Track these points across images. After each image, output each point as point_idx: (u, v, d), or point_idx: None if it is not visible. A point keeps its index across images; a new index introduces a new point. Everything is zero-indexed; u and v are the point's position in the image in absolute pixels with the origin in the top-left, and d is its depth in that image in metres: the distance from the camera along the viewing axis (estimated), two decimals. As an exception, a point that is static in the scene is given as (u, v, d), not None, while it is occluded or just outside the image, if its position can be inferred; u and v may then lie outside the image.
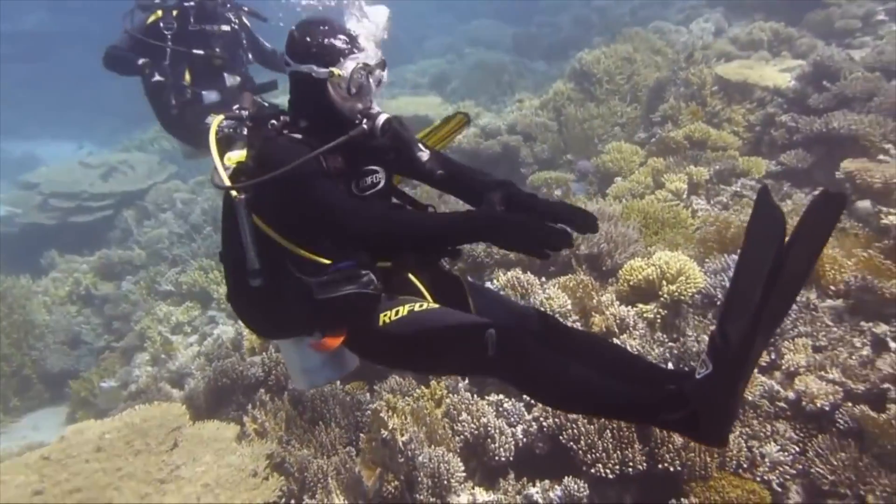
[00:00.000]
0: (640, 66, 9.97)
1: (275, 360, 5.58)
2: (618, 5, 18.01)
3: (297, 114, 2.55)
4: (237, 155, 2.53)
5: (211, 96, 5.62)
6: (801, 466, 4.18)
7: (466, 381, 4.95)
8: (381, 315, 2.47)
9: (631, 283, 5.02)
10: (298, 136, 2.48)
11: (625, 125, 9.39)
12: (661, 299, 4.86)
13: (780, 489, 4.15)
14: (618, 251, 5.46)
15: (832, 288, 4.97)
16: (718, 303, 4.92)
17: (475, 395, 4.83)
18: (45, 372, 9.05)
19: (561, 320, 2.76)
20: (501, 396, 4.76)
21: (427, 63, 17.94)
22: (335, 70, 2.42)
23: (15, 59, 27.99)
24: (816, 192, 1.76)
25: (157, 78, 5.38)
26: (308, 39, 2.48)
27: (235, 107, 2.70)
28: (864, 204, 5.49)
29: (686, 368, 2.49)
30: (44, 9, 28.90)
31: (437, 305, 2.54)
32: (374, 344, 2.52)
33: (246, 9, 5.81)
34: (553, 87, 10.30)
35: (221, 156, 2.52)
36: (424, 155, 2.65)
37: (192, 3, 5.45)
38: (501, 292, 5.19)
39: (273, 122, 2.52)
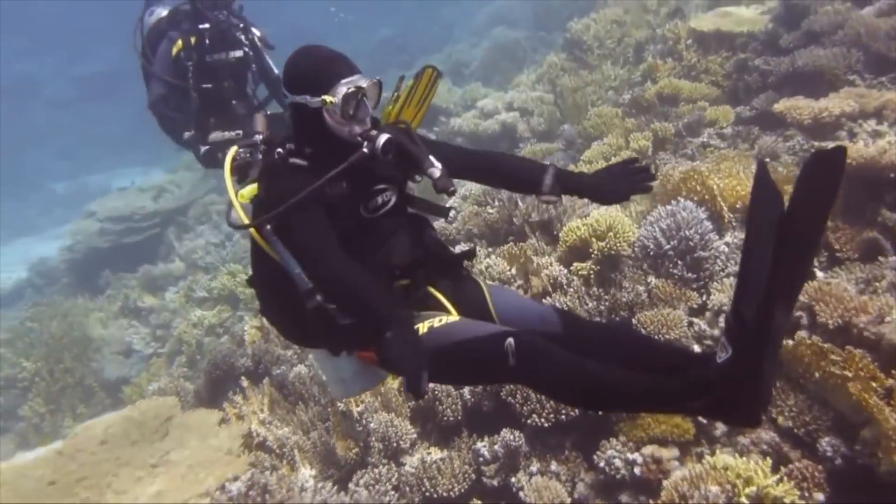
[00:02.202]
0: (630, 27, 10.02)
1: (263, 350, 6.10)
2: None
3: (301, 140, 2.59)
4: (248, 190, 2.64)
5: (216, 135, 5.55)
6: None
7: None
8: None
9: (568, 243, 5.26)
10: (304, 162, 2.53)
11: (617, 88, 9.48)
12: (593, 256, 5.10)
13: (705, 421, 4.36)
14: (566, 215, 5.70)
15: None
16: (652, 253, 5.12)
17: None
18: (104, 380, 9.94)
19: (580, 316, 2.82)
20: (448, 362, 5.10)
21: (451, 49, 18.21)
22: (327, 98, 2.44)
23: (87, 98, 29.90)
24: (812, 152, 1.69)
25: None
26: (300, 70, 2.53)
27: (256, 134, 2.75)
28: (799, 140, 5.55)
29: (709, 352, 2.42)
30: (112, 51, 30.56)
31: (456, 318, 2.56)
32: None
33: (258, 33, 5.73)
34: (546, 60, 10.46)
35: (236, 190, 2.61)
36: (436, 171, 2.58)
37: (206, 26, 5.37)
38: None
39: (280, 150, 2.57)
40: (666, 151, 6.96)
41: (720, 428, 4.39)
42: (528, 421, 4.58)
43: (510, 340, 2.29)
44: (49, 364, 10.05)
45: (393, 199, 2.68)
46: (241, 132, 5.40)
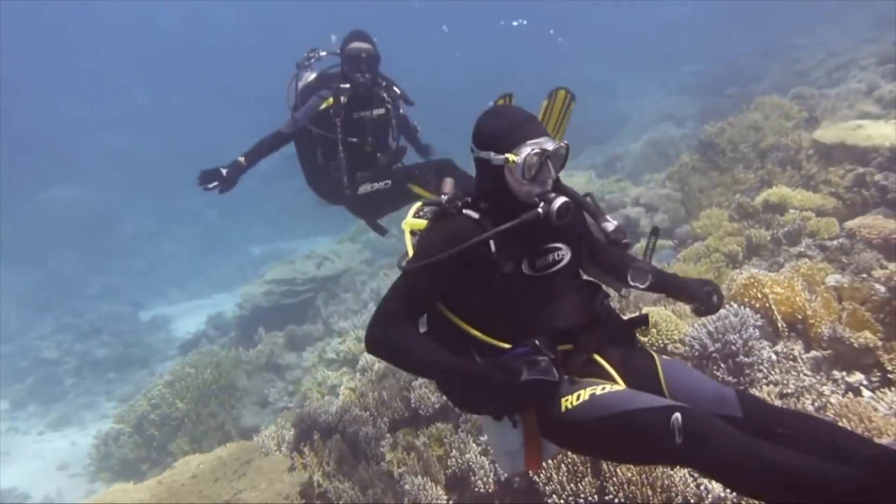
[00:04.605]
0: (767, 132, 9.95)
1: (344, 409, 6.68)
2: (817, 67, 17.37)
3: (480, 194, 2.67)
4: (417, 222, 2.82)
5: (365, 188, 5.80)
6: (744, 502, 4.32)
7: (468, 423, 5.63)
8: (563, 400, 2.40)
9: (617, 337, 5.44)
10: (476, 215, 2.59)
11: (747, 191, 9.42)
12: (636, 351, 5.24)
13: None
14: (625, 312, 5.87)
15: (822, 340, 5.02)
16: (697, 354, 5.17)
17: (469, 435, 5.51)
18: (241, 427, 10.95)
19: (764, 400, 2.60)
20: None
21: (616, 142, 18.57)
22: (510, 157, 2.49)
23: (292, 173, 33.18)
24: None
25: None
26: (489, 128, 2.61)
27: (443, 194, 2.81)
28: (871, 258, 5.39)
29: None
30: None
31: (621, 387, 2.45)
32: (557, 430, 2.45)
33: (398, 91, 5.88)
34: (679, 159, 10.59)
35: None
36: (610, 225, 2.71)
37: (361, 80, 5.54)
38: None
39: (458, 201, 2.65)
40: (760, 258, 6.91)
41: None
42: (549, 501, 4.75)
43: (677, 415, 2.15)
44: (197, 407, 11.27)
45: (566, 259, 2.69)
46: (388, 182, 5.71)
